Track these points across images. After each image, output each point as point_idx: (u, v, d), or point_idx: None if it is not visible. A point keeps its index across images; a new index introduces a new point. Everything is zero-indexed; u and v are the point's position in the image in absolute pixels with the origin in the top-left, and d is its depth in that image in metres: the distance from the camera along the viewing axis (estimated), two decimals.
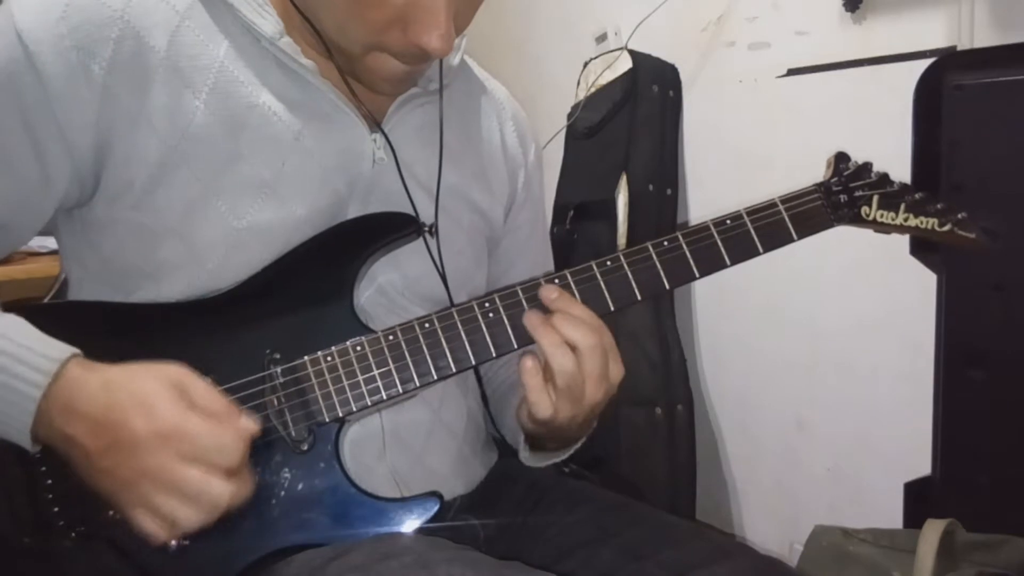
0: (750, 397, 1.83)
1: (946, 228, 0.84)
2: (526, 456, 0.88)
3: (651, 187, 1.84)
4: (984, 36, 1.31)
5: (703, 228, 0.80)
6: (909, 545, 1.20)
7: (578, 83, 2.05)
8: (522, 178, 0.96)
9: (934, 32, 1.38)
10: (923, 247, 1.33)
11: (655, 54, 1.89)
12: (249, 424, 0.65)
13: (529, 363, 0.75)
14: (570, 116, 2.02)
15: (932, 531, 1.17)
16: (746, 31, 1.72)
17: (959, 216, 0.85)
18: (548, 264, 1.03)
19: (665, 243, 0.79)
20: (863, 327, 1.57)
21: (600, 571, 0.78)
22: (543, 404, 0.75)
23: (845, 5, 1.49)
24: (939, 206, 0.85)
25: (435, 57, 0.73)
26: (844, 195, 0.84)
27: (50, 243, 1.58)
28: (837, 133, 1.55)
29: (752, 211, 0.81)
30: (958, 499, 1.30)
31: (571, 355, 0.73)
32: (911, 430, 1.42)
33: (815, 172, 0.89)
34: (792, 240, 0.82)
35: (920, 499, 1.37)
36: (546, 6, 2.34)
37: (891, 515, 1.41)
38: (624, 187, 1.84)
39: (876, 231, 0.86)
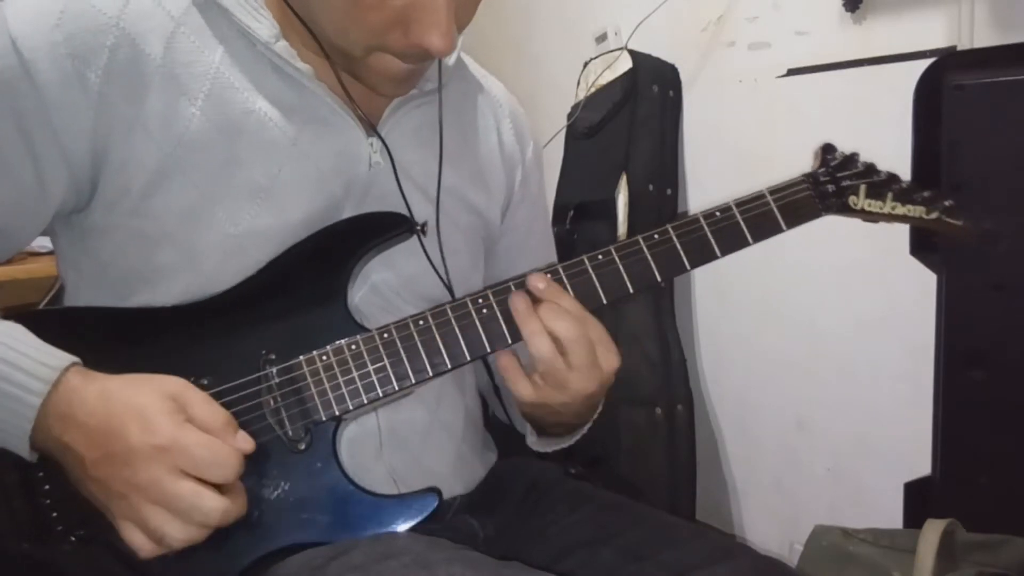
0: (750, 397, 1.83)
1: (933, 216, 0.85)
2: (533, 441, 0.89)
3: (651, 187, 1.84)
4: (984, 36, 1.31)
5: (693, 220, 0.80)
6: (909, 545, 1.20)
7: (578, 83, 2.05)
8: (519, 176, 0.96)
9: (934, 32, 1.38)
10: (923, 246, 1.33)
11: (655, 54, 1.88)
12: (246, 441, 0.65)
13: (507, 359, 0.76)
14: (570, 116, 2.02)
15: (932, 531, 1.17)
16: (746, 31, 1.72)
17: (946, 204, 0.85)
18: (551, 259, 1.03)
19: (655, 236, 0.79)
20: (863, 327, 1.57)
21: (600, 571, 0.78)
22: (523, 389, 0.76)
23: (845, 5, 1.49)
24: (925, 194, 0.85)
25: (438, 56, 0.72)
26: (832, 185, 0.84)
27: (50, 243, 1.58)
28: (837, 133, 1.52)
29: (741, 202, 0.82)
30: (958, 499, 1.30)
31: (548, 342, 0.74)
32: (911, 430, 1.42)
33: None
34: (781, 230, 0.82)
35: (920, 499, 1.36)
36: (546, 6, 2.33)
37: (891, 515, 1.41)
38: (624, 187, 1.84)
39: (864, 220, 0.86)
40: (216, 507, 0.62)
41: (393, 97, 0.81)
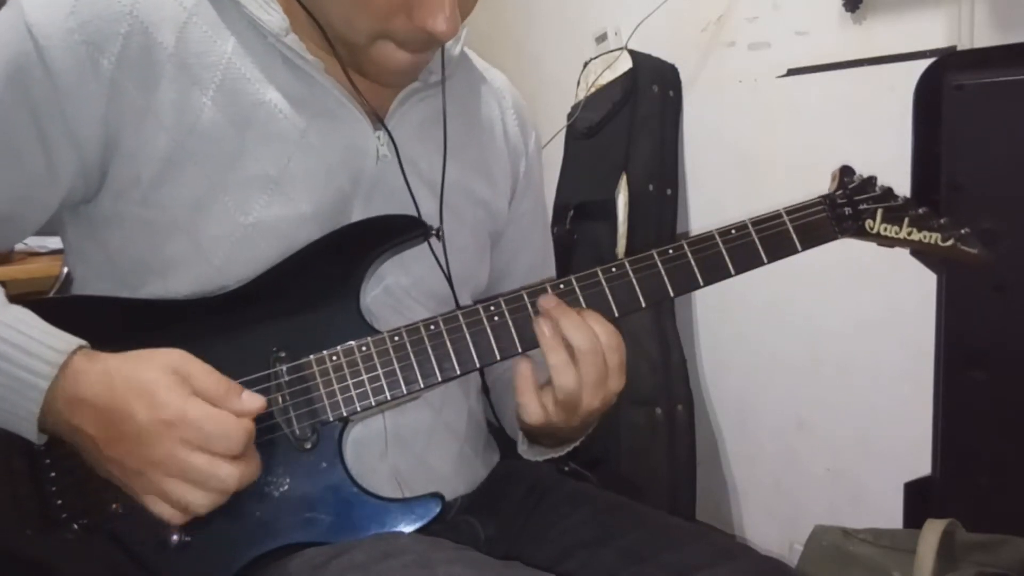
0: (750, 397, 1.83)
1: (949, 243, 0.84)
2: (524, 449, 0.89)
3: (651, 187, 1.84)
4: (984, 36, 1.31)
5: (708, 237, 0.80)
6: (909, 545, 1.20)
7: (578, 83, 2.05)
8: (523, 166, 0.96)
9: (934, 32, 1.38)
10: None
11: (655, 54, 1.89)
12: (252, 402, 0.66)
13: (525, 369, 0.76)
14: (570, 116, 2.02)
15: (932, 531, 1.17)
16: (746, 31, 1.73)
17: (962, 232, 0.84)
18: (549, 252, 1.04)
19: (670, 251, 0.79)
20: (863, 327, 1.57)
21: (601, 572, 0.78)
22: (532, 410, 0.76)
23: (845, 5, 1.49)
24: (942, 221, 0.84)
25: (441, 41, 0.73)
26: (848, 208, 0.84)
27: (50, 243, 1.58)
28: (837, 133, 1.55)
29: (757, 221, 0.81)
30: (958, 499, 1.30)
31: (574, 373, 0.74)
32: (911, 430, 1.42)
33: (815, 172, 0.89)
34: (796, 251, 0.82)
35: (920, 499, 1.37)
36: (546, 6, 2.34)
37: (891, 515, 1.41)
38: (624, 187, 1.84)
39: (879, 244, 0.86)
40: (232, 473, 0.63)
41: (396, 87, 0.81)
